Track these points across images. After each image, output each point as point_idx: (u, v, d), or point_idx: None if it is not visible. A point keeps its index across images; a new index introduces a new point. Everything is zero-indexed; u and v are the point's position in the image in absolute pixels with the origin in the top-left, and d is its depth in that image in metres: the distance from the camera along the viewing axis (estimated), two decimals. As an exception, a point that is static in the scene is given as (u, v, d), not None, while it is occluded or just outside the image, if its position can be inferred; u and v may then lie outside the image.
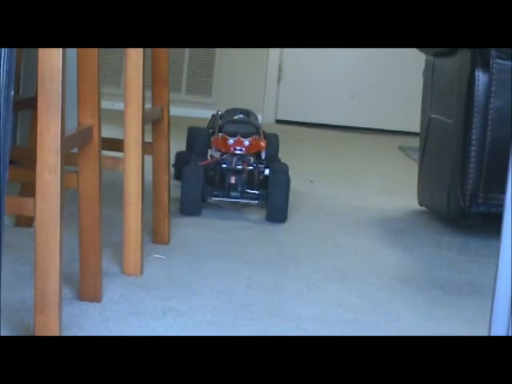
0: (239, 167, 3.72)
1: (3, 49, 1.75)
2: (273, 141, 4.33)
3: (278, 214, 3.71)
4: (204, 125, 4.28)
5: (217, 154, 3.88)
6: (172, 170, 3.95)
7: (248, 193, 3.73)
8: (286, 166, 4.03)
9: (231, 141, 3.77)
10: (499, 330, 1.80)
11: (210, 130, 4.37)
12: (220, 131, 3.89)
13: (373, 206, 4.21)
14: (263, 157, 3.91)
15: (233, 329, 2.52)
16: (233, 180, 3.69)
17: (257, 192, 3.74)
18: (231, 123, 3.93)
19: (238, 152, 3.75)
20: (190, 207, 3.67)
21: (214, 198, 3.72)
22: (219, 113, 4.39)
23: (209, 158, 3.97)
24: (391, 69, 6.49)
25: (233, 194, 3.71)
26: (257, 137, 3.85)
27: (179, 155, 4.39)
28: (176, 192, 3.78)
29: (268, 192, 3.70)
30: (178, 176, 4.27)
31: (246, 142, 3.77)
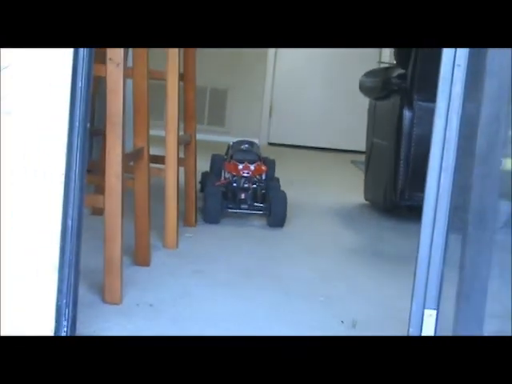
0: (246, 186, 3.60)
1: (80, 93, 1.77)
2: (271, 164, 4.20)
3: (278, 221, 3.54)
4: (221, 149, 4.21)
5: (228, 176, 3.71)
6: (198, 185, 3.87)
7: (255, 205, 3.58)
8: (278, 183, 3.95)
9: (240, 166, 3.65)
10: (420, 284, 1.80)
11: (225, 157, 4.14)
12: (231, 158, 3.76)
13: (332, 200, 4.22)
14: (263, 177, 3.77)
15: (239, 285, 2.57)
16: (243, 196, 3.57)
17: (261, 205, 3.59)
18: (240, 152, 3.79)
19: (245, 174, 3.63)
20: (211, 217, 3.47)
21: (229, 210, 3.56)
22: (231, 143, 4.19)
23: (222, 179, 3.78)
24: (350, 108, 6.50)
25: (243, 206, 3.57)
26: (259, 163, 3.73)
27: (204, 174, 4.12)
28: (199, 202, 3.62)
29: (271, 205, 3.55)
30: (202, 189, 4.00)
31: (252, 167, 3.66)
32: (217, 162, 4.07)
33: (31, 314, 1.78)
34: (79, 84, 1.78)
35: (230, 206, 3.58)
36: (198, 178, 3.81)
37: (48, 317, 1.78)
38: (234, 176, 3.65)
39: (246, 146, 4.02)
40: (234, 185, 3.62)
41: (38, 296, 1.78)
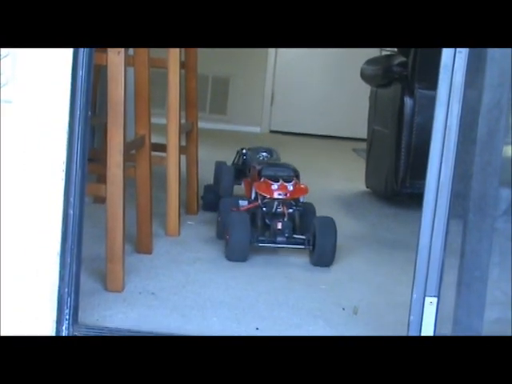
0: (279, 210, 2.76)
1: (80, 82, 1.76)
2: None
3: (325, 259, 2.68)
4: (222, 137, 3.96)
5: (254, 197, 2.88)
6: (200, 201, 3.35)
7: (294, 238, 2.71)
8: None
9: (275, 186, 2.77)
10: (421, 272, 1.79)
11: (235, 164, 3.46)
12: (259, 175, 2.87)
13: (334, 188, 4.20)
14: (301, 199, 2.88)
15: (241, 272, 2.56)
16: (279, 226, 2.69)
17: (303, 237, 2.71)
18: (270, 167, 2.93)
19: (282, 197, 2.77)
20: (237, 254, 2.67)
21: (260, 244, 2.70)
22: (244, 151, 3.42)
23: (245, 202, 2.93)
24: (351, 95, 6.48)
25: (279, 239, 2.69)
26: (297, 181, 2.85)
27: (207, 188, 3.42)
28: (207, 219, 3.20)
29: (315, 237, 2.66)
30: (205, 207, 3.35)
31: (290, 187, 2.78)
32: (223, 173, 3.26)
33: (33, 302, 1.77)
34: (80, 73, 1.77)
35: (262, 238, 2.73)
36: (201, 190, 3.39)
37: (50, 305, 1.78)
38: (264, 198, 2.80)
39: (264, 154, 3.31)
40: (264, 209, 2.79)
41: (40, 285, 1.77)
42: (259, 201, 2.82)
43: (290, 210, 2.78)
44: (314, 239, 2.68)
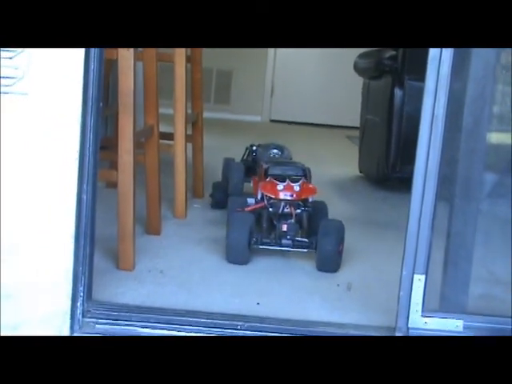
0: (287, 211, 2.44)
1: (92, 75, 1.73)
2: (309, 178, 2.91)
3: (329, 263, 2.36)
4: (226, 126, 3.86)
5: (261, 197, 2.57)
6: (209, 199, 3.13)
7: (298, 241, 2.41)
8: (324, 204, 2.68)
9: (281, 186, 2.45)
10: (410, 251, 1.77)
11: (244, 160, 3.16)
12: (266, 174, 2.56)
13: (329, 173, 4.18)
14: (310, 200, 2.56)
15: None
16: (285, 228, 2.38)
17: (307, 240, 2.41)
18: (277, 165, 2.60)
19: (289, 198, 2.45)
20: (236, 257, 2.38)
21: (261, 247, 2.41)
22: (253, 148, 3.11)
23: (253, 201, 2.63)
24: (345, 87, 6.45)
25: (284, 241, 2.38)
26: (306, 181, 2.54)
27: (216, 185, 3.13)
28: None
29: (318, 240, 2.36)
30: (214, 205, 3.08)
31: (297, 188, 2.46)
32: (231, 170, 3.01)
33: (51, 281, 1.76)
34: (92, 66, 1.75)
35: (265, 240, 2.43)
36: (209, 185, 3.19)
37: (66, 283, 1.76)
38: (271, 198, 2.49)
39: (275, 151, 2.99)
40: (271, 210, 2.48)
41: (57, 264, 1.75)
42: (265, 201, 2.51)
43: (298, 211, 2.48)
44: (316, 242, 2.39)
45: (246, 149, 3.19)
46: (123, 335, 1.77)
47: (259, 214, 2.56)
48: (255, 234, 2.43)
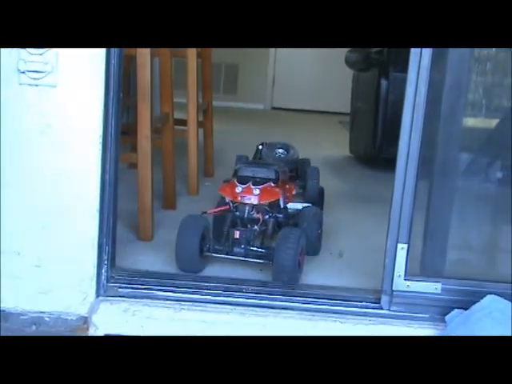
0: (254, 216, 2.01)
1: (113, 69, 1.71)
2: (313, 174, 2.60)
3: (286, 277, 1.86)
4: (234, 113, 3.76)
5: (229, 200, 2.09)
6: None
7: (253, 250, 1.94)
8: (319, 211, 2.27)
9: (239, 189, 2.03)
10: (394, 223, 1.75)
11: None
12: (235, 175, 2.15)
13: (323, 154, 4.14)
14: (282, 205, 2.13)
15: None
16: (237, 235, 1.94)
17: (262, 250, 1.95)
18: (248, 167, 2.16)
19: (247, 201, 2.02)
20: (185, 264, 1.94)
21: (214, 254, 1.96)
22: (260, 147, 2.71)
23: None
24: (337, 78, 6.41)
25: (236, 250, 1.93)
26: (271, 184, 2.08)
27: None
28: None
29: (275, 251, 1.88)
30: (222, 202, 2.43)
31: (256, 191, 2.02)
32: None
33: (79, 250, 1.75)
34: (112, 62, 1.73)
35: (219, 247, 1.97)
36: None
37: (92, 252, 1.75)
38: (235, 201, 2.06)
39: (281, 151, 2.64)
40: (237, 213, 2.04)
41: (84, 236, 1.74)
42: (230, 204, 2.07)
43: (266, 217, 2.05)
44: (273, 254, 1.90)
45: (257, 148, 2.78)
46: (143, 298, 1.75)
47: (222, 218, 2.10)
48: (209, 241, 1.98)
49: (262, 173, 2.14)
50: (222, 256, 1.98)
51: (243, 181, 2.08)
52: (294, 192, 2.35)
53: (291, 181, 2.45)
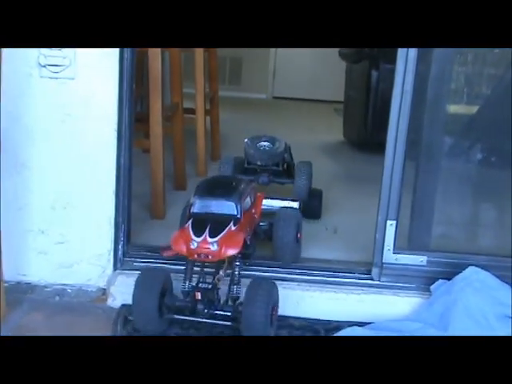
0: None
1: (126, 62, 1.68)
2: (303, 174, 2.17)
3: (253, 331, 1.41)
4: (238, 103, 3.68)
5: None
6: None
7: (217, 313, 1.46)
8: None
9: (194, 244, 1.45)
10: (384, 201, 1.73)
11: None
12: (189, 212, 1.56)
13: (318, 139, 4.12)
14: (248, 242, 1.58)
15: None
16: (198, 296, 1.45)
17: (229, 314, 1.46)
18: (203, 199, 1.55)
19: (204, 259, 1.46)
20: (142, 326, 1.49)
21: (175, 316, 1.48)
22: (245, 140, 2.26)
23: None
24: (332, 70, 6.35)
25: (200, 309, 1.45)
26: (232, 228, 1.48)
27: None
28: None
29: (242, 309, 1.43)
30: None
31: (214, 246, 1.44)
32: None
33: (97, 228, 1.73)
34: (125, 56, 1.70)
35: (179, 303, 1.49)
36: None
37: (109, 230, 1.74)
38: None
39: (266, 144, 2.17)
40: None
41: (102, 215, 1.73)
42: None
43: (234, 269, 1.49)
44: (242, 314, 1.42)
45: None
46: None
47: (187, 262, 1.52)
48: (169, 298, 1.48)
49: (219, 207, 1.51)
50: (185, 318, 1.48)
51: (198, 226, 1.46)
52: (262, 203, 1.76)
53: (273, 176, 2.11)
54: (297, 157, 2.81)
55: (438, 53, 1.69)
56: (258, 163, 2.23)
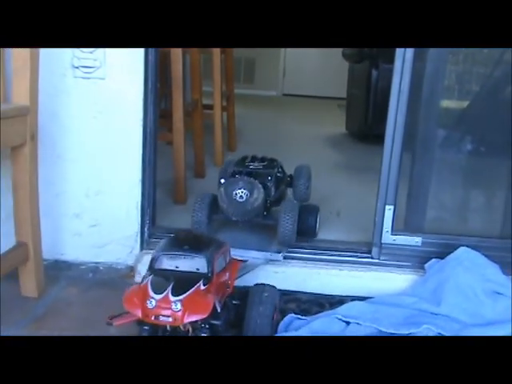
0: (180, 330, 1.05)
1: (150, 65, 1.65)
2: (289, 213, 1.57)
3: None
4: (251, 100, 3.67)
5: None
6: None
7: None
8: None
9: (152, 302, 0.99)
10: (383, 188, 1.70)
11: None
12: (151, 267, 1.10)
13: (323, 131, 4.09)
14: (218, 309, 1.08)
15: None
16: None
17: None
18: (170, 250, 1.10)
19: (164, 321, 1.00)
20: None
21: None
22: (222, 181, 1.70)
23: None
24: (336, 69, 6.28)
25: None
26: (201, 287, 1.04)
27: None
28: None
29: None
30: None
31: (177, 306, 0.99)
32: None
33: (125, 212, 1.72)
34: (150, 58, 1.68)
35: None
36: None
37: (136, 214, 1.73)
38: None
39: (243, 193, 1.55)
40: (145, 328, 1.07)
41: (129, 201, 1.72)
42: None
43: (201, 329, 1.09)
44: None
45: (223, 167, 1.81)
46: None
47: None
48: None
49: (187, 263, 1.10)
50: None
51: (159, 283, 1.06)
52: (239, 267, 1.28)
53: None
54: (304, 147, 2.78)
55: (432, 53, 1.65)
56: (233, 219, 1.56)
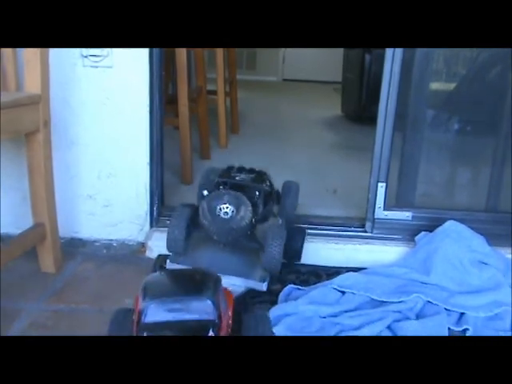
0: None
1: (155, 54, 1.60)
2: (276, 239, 1.25)
3: None
4: (253, 86, 3.57)
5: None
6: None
7: None
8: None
9: None
10: (375, 166, 1.65)
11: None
12: (142, 329, 0.80)
13: (320, 114, 4.03)
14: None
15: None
16: None
17: None
18: (163, 300, 0.79)
19: None
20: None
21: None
22: (204, 193, 1.37)
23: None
24: (332, 55, 6.18)
25: None
26: None
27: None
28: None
29: None
30: None
31: None
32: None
33: (135, 193, 1.69)
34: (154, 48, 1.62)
35: None
36: None
37: (145, 194, 1.70)
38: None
39: (228, 209, 1.24)
40: None
41: (139, 182, 1.69)
42: None
43: None
44: None
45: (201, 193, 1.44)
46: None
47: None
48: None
49: (189, 311, 0.85)
50: None
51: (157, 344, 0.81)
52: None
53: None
54: (302, 129, 2.73)
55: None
56: (215, 238, 1.28)
